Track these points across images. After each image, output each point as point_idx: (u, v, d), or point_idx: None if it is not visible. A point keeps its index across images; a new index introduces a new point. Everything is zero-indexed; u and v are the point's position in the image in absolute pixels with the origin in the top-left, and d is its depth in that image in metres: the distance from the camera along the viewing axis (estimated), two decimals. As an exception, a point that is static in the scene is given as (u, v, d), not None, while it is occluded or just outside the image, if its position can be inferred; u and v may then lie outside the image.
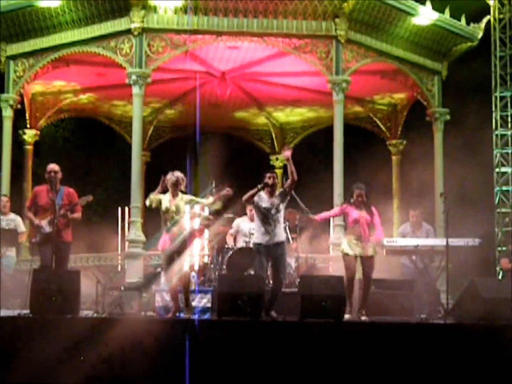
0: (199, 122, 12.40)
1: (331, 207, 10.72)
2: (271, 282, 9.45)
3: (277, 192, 8.99)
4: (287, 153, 8.88)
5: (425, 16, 11.97)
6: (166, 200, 8.79)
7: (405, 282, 10.19)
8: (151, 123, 15.04)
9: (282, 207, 8.94)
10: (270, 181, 8.85)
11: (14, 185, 12.20)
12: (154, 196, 8.81)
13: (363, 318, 8.93)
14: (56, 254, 8.88)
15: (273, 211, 8.85)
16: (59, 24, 11.57)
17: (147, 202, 8.85)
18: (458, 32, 12.63)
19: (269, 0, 11.12)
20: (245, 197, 8.89)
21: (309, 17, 11.35)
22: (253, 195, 8.82)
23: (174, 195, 8.81)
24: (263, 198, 8.89)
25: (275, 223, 8.87)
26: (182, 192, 8.89)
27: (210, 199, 9.10)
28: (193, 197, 9.04)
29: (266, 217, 8.85)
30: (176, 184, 8.81)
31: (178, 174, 8.89)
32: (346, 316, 8.67)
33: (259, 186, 8.82)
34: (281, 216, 8.96)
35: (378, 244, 9.29)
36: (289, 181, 8.88)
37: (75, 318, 7.82)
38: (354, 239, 9.16)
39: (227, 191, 8.98)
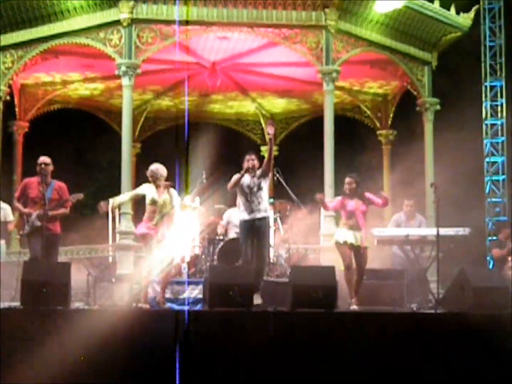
0: (187, 113, 12.38)
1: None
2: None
3: (258, 171, 9.15)
4: (271, 130, 9.06)
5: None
6: (151, 191, 8.80)
7: (395, 272, 10.22)
8: (142, 114, 14.99)
9: (264, 184, 9.15)
10: (250, 164, 9.09)
11: (4, 177, 12.14)
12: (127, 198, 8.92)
13: (354, 307, 8.95)
14: (45, 246, 8.86)
15: (255, 189, 9.04)
16: (48, 15, 11.50)
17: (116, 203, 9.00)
18: (447, 21, 12.62)
19: (258, -10, 11.10)
20: (229, 185, 9.11)
21: (299, 7, 11.33)
22: (237, 182, 9.01)
23: (157, 188, 8.83)
24: (245, 178, 9.06)
25: (258, 200, 9.02)
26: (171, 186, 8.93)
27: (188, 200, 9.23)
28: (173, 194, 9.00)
29: (249, 195, 9.02)
30: (152, 177, 8.83)
31: (153, 167, 8.90)
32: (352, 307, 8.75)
33: (242, 172, 8.99)
34: (264, 193, 9.15)
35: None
36: (265, 159, 9.17)
37: (65, 310, 7.80)
38: (348, 228, 9.18)
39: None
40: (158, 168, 8.91)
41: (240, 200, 9.27)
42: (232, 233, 11.07)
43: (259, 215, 9.06)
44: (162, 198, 8.79)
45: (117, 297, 9.46)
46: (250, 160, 9.16)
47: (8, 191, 12.21)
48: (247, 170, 9.08)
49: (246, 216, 9.10)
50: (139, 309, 8.44)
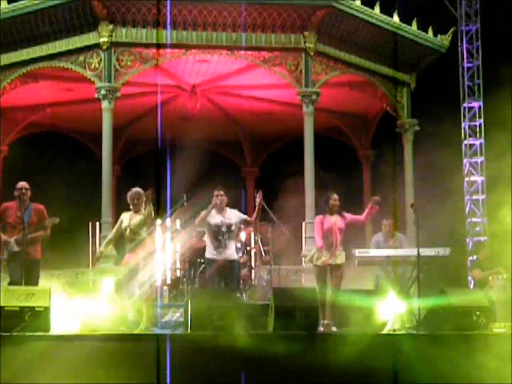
0: (160, 135, 12.38)
1: (303, 219, 10.80)
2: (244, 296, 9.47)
3: (233, 211, 9.02)
4: (258, 199, 8.96)
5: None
6: (126, 218, 8.79)
7: (377, 293, 10.21)
8: (122, 137, 14.98)
9: (234, 227, 9.03)
10: (218, 201, 8.95)
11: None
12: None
13: (333, 329, 8.92)
14: (26, 271, 8.81)
15: (223, 229, 8.91)
16: (27, 39, 11.51)
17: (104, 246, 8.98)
18: (425, 43, 12.75)
19: (237, 13, 11.16)
20: (196, 221, 8.99)
21: (278, 30, 11.41)
22: (203, 218, 8.89)
23: (136, 212, 8.81)
24: (212, 215, 8.93)
25: (225, 242, 8.90)
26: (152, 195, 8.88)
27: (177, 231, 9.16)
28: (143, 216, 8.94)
29: (216, 234, 8.89)
30: (132, 200, 8.81)
31: (134, 190, 8.88)
32: (320, 329, 8.68)
33: (209, 208, 8.87)
34: (232, 234, 9.02)
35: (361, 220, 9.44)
36: (252, 218, 9.07)
37: (45, 335, 7.73)
38: (326, 248, 9.19)
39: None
40: (138, 191, 8.89)
41: (207, 236, 9.18)
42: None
43: (225, 257, 8.92)
44: (134, 222, 8.76)
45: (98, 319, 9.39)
46: (218, 196, 8.99)
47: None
48: (214, 206, 8.97)
49: (211, 255, 8.97)
50: (121, 333, 8.38)
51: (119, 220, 8.97)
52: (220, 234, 8.89)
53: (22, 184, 9.16)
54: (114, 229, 9.11)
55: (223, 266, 8.88)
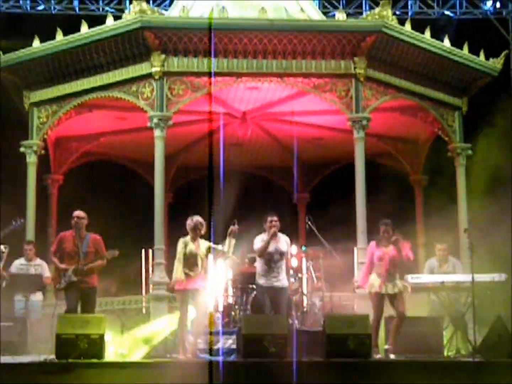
0: (223, 163, 12.41)
1: (355, 244, 10.76)
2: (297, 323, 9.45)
3: (282, 236, 9.02)
4: (234, 228, 8.95)
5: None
6: (189, 244, 8.86)
7: (431, 319, 10.09)
8: (173, 165, 15.12)
9: (285, 254, 9.10)
10: (275, 228, 8.96)
11: (39, 230, 12.28)
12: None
13: (392, 356, 8.83)
14: (82, 299, 8.97)
15: (276, 256, 8.92)
16: (81, 70, 11.74)
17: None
18: (477, 67, 12.64)
19: (287, 41, 11.22)
20: (259, 252, 8.95)
21: (327, 56, 11.43)
22: (266, 248, 8.89)
23: (194, 240, 8.89)
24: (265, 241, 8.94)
25: (278, 268, 8.91)
26: (201, 237, 8.98)
27: (225, 246, 9.13)
28: (210, 244, 9.07)
29: (269, 261, 8.90)
30: (194, 229, 8.90)
31: (196, 218, 8.97)
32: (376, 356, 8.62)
33: (269, 237, 8.86)
34: (284, 261, 9.04)
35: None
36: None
37: (100, 362, 7.81)
38: (378, 276, 9.13)
39: (232, 229, 9.01)
40: (201, 220, 8.98)
41: (258, 262, 9.14)
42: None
43: (276, 284, 8.95)
44: (200, 249, 8.89)
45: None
46: (273, 222, 9.00)
47: (43, 243, 12.35)
48: (274, 235, 8.93)
49: (263, 281, 8.99)
50: (173, 360, 8.42)
51: (181, 245, 8.97)
52: (272, 261, 8.92)
53: (78, 213, 9.35)
54: (181, 255, 9.02)
55: (274, 292, 8.89)
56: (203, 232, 8.96)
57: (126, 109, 12.14)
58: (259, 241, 9.06)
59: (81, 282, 8.99)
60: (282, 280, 9.01)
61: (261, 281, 9.00)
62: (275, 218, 9.09)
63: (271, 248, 8.95)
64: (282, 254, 8.99)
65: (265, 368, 7.65)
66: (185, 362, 8.46)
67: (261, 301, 9.02)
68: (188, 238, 8.99)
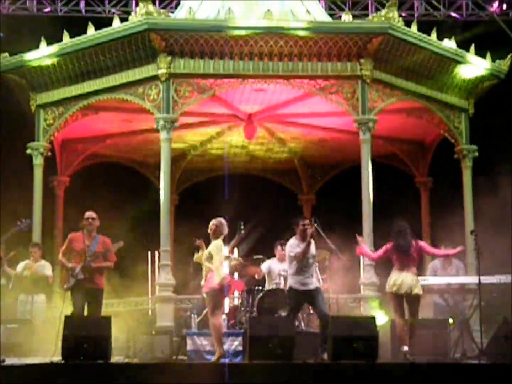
0: (227, 166, 12.45)
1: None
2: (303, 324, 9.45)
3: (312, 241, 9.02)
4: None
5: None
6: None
7: (438, 321, 10.07)
8: (179, 167, 15.14)
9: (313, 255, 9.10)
10: (311, 231, 8.92)
11: (46, 232, 12.30)
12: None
13: (408, 356, 8.71)
14: (89, 300, 9.01)
15: (311, 260, 8.94)
16: (88, 72, 11.76)
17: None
18: (483, 69, 12.61)
19: (293, 42, 11.23)
20: (298, 256, 8.87)
21: (334, 58, 11.43)
22: (307, 252, 8.87)
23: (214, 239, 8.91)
24: (298, 245, 8.97)
25: (311, 272, 8.99)
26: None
27: (233, 260, 9.18)
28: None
29: (303, 265, 8.89)
30: (216, 229, 8.89)
31: (217, 220, 8.91)
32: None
33: (308, 240, 8.86)
34: (314, 264, 9.16)
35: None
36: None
37: (106, 364, 7.82)
38: (396, 276, 9.04)
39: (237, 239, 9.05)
40: (221, 221, 8.94)
41: (292, 266, 9.08)
42: (271, 284, 11.02)
43: (311, 286, 8.96)
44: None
45: (157, 349, 9.46)
46: (305, 225, 8.96)
47: (49, 244, 12.37)
48: (311, 237, 8.89)
49: (298, 285, 8.95)
50: (179, 363, 8.42)
51: (217, 250, 8.89)
52: (307, 265, 8.93)
53: (90, 213, 9.43)
54: (221, 259, 8.98)
55: (311, 296, 8.89)
56: (225, 232, 8.92)
57: (133, 111, 12.16)
58: (294, 246, 9.00)
59: (88, 281, 9.02)
60: (315, 281, 9.11)
61: (296, 285, 8.95)
62: (306, 221, 9.08)
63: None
64: (314, 256, 9.04)
65: (270, 370, 7.64)
66: (191, 364, 8.47)
67: (296, 305, 8.99)
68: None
